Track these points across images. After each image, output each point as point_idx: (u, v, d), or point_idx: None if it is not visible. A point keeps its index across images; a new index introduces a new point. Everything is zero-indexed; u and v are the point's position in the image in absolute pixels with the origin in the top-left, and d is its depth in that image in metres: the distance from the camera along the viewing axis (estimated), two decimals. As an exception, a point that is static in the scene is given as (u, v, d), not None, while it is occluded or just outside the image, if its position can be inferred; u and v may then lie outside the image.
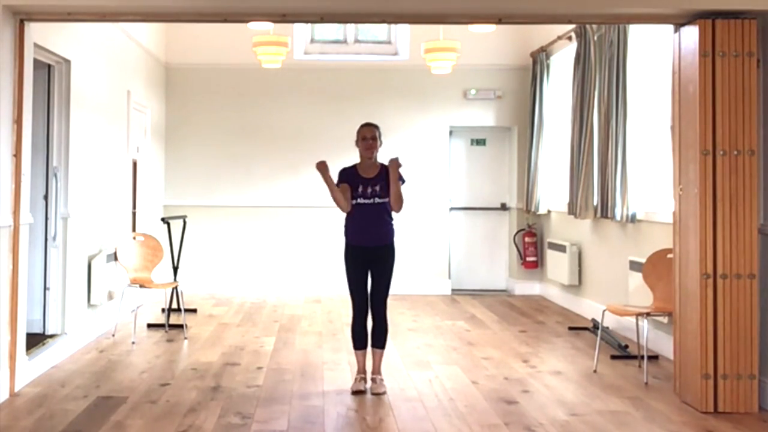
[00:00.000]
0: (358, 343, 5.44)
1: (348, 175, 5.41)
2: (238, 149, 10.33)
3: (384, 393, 5.25)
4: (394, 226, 5.44)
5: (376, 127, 5.44)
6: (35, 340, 6.03)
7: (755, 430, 4.63)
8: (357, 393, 5.26)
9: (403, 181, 5.35)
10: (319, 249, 10.16)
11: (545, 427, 4.60)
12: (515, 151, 10.39)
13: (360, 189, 5.32)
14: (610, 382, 5.66)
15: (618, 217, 7.21)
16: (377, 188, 5.30)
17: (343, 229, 5.48)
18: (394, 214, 5.37)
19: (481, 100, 10.41)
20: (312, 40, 10.52)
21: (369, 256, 5.35)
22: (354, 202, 5.34)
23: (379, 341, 5.42)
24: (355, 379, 5.42)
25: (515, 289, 10.22)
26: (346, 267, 5.42)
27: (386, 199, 5.32)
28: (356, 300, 5.41)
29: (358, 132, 5.44)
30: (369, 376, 5.44)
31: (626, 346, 6.56)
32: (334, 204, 5.48)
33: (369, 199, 5.31)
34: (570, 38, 8.52)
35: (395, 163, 5.29)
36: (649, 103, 7.09)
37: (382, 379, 5.38)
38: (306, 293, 10.02)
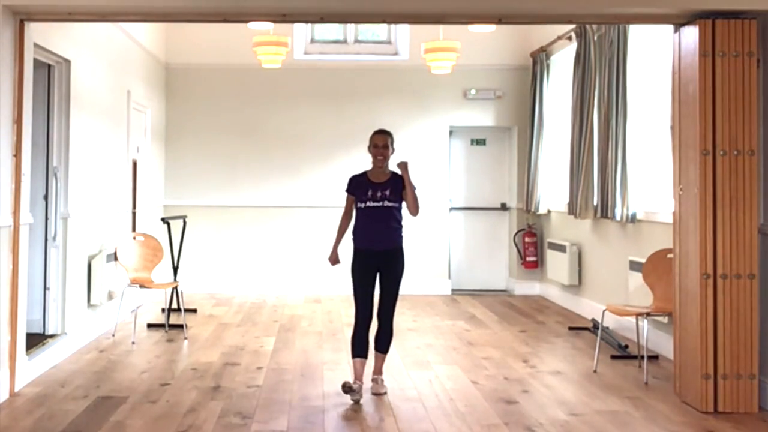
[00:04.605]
0: (358, 349, 5.27)
1: (358, 182, 5.39)
2: (238, 149, 10.33)
3: (384, 393, 5.25)
4: (403, 232, 5.40)
5: (388, 134, 5.42)
6: (35, 340, 6.03)
7: (755, 430, 4.64)
8: (348, 391, 5.07)
9: (415, 188, 5.37)
10: (319, 249, 10.13)
11: (545, 427, 4.60)
12: (515, 151, 10.38)
13: (370, 193, 5.32)
14: (610, 382, 5.66)
15: (618, 217, 7.21)
16: (387, 192, 5.31)
17: (350, 234, 5.44)
18: (405, 218, 5.36)
19: (481, 100, 10.41)
20: (312, 40, 10.52)
21: (377, 261, 5.30)
22: (363, 206, 5.33)
23: (383, 346, 5.36)
24: (352, 383, 5.16)
25: (515, 289, 10.22)
26: (353, 274, 5.33)
27: (395, 204, 5.32)
28: (360, 308, 5.30)
29: (371, 138, 5.42)
30: (368, 378, 5.41)
31: (626, 346, 6.56)
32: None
33: (378, 202, 5.29)
34: (570, 38, 8.52)
35: (404, 165, 5.33)
36: (649, 103, 7.09)
37: (383, 380, 5.36)
38: (306, 293, 10.02)
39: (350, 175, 5.47)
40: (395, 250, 5.34)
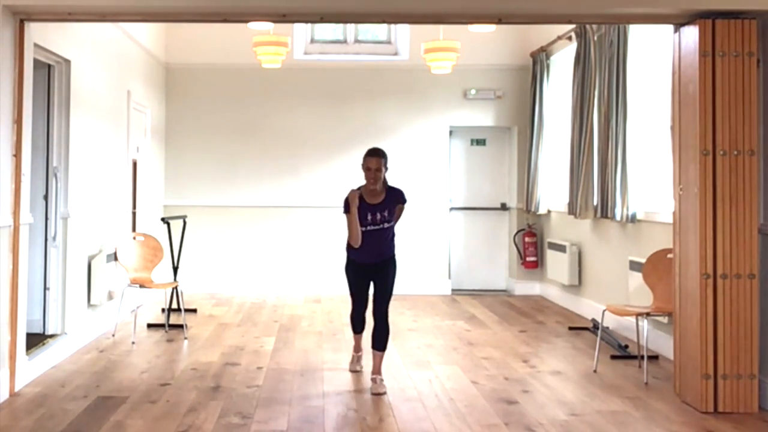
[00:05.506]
0: (358, 327, 5.77)
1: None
2: (237, 149, 10.33)
3: (384, 393, 5.26)
4: (395, 242, 5.61)
5: (381, 156, 5.37)
6: (35, 340, 6.03)
7: (755, 430, 4.64)
8: (353, 372, 5.60)
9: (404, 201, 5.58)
10: (319, 249, 10.16)
11: (545, 427, 4.60)
12: (515, 151, 10.38)
13: (369, 217, 5.39)
14: (610, 382, 5.66)
15: (618, 217, 7.21)
16: (385, 213, 5.42)
17: (345, 244, 5.66)
18: (403, 221, 5.67)
19: (481, 100, 10.41)
20: (312, 40, 10.52)
21: (371, 270, 5.53)
22: (363, 229, 5.39)
23: (380, 343, 5.47)
24: (352, 357, 5.79)
25: (515, 289, 10.22)
26: (348, 277, 5.64)
27: (392, 223, 5.48)
28: (356, 301, 5.70)
29: (364, 160, 5.40)
30: (367, 379, 5.45)
31: (626, 346, 6.56)
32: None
33: (378, 225, 5.41)
34: (570, 38, 8.52)
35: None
36: (649, 103, 7.09)
37: (382, 380, 5.39)
38: (306, 293, 10.02)
39: (346, 196, 5.40)
40: (388, 259, 5.55)
